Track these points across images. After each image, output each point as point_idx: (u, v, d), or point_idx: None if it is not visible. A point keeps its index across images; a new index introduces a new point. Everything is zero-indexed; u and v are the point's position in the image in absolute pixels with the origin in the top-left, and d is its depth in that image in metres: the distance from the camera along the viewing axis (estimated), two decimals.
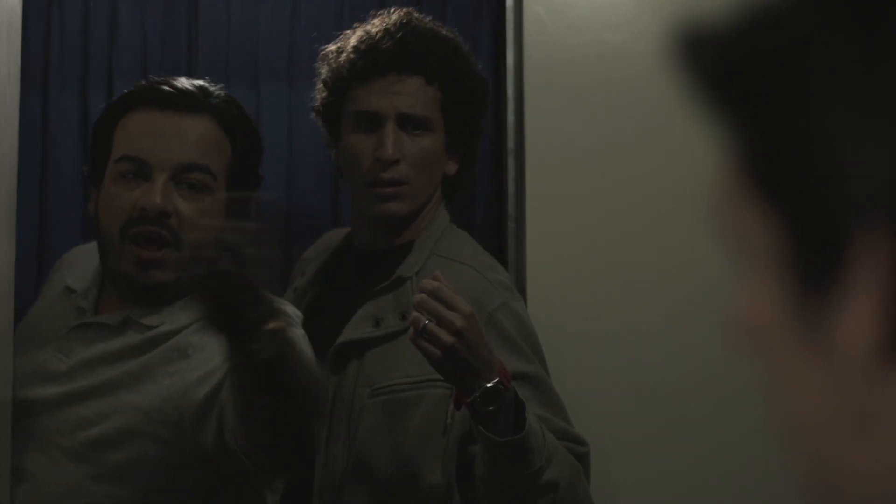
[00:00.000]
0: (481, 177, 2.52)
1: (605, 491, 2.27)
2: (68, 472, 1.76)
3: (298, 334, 1.59)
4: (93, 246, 1.88)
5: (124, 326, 1.79)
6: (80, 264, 1.88)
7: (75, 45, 2.52)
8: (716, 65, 0.47)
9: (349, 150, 1.93)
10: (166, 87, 1.79)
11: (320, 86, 1.99)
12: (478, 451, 1.69)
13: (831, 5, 0.43)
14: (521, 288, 2.31)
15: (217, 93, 1.83)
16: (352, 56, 1.92)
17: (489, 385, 1.59)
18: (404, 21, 1.93)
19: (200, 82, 1.83)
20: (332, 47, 1.98)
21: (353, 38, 1.95)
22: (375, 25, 1.94)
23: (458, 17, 2.55)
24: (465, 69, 1.96)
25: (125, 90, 1.87)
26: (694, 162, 2.39)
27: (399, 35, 1.91)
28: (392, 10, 1.97)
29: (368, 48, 1.91)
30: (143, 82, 1.87)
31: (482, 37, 2.54)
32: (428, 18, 1.98)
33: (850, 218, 0.42)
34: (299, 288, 2.06)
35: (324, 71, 1.98)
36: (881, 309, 0.42)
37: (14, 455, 1.74)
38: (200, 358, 1.72)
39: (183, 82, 1.81)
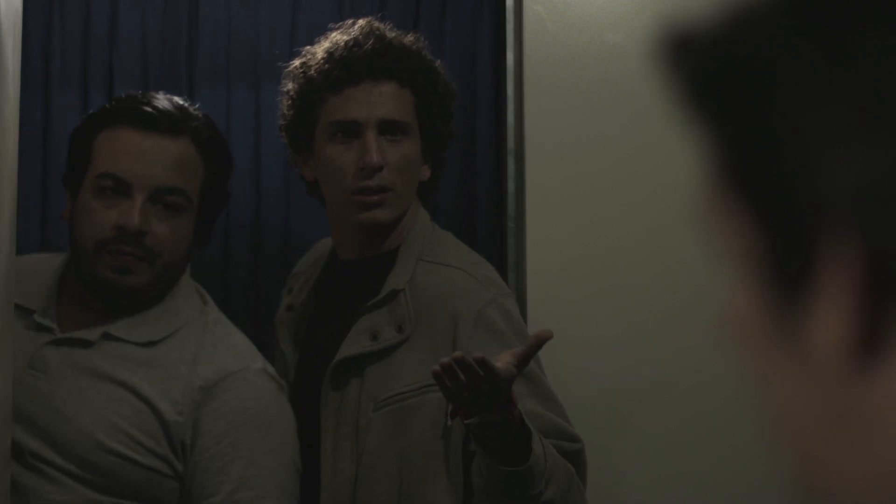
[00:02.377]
0: (481, 177, 2.52)
1: (606, 491, 2.27)
2: (67, 487, 1.78)
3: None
4: (33, 259, 1.90)
5: (102, 340, 1.86)
6: (23, 281, 1.88)
7: (75, 45, 2.51)
8: (696, 71, 0.48)
9: (329, 163, 1.92)
10: (149, 109, 1.88)
11: (287, 102, 1.98)
12: (476, 462, 1.69)
13: (801, 13, 0.44)
14: (521, 288, 2.31)
15: (195, 114, 1.92)
16: (325, 66, 1.91)
17: (493, 419, 1.60)
18: (368, 30, 1.94)
19: (180, 102, 1.93)
20: (296, 62, 1.98)
21: (319, 50, 1.94)
22: (340, 36, 1.94)
23: (458, 17, 2.55)
24: (433, 73, 1.97)
25: (105, 103, 1.96)
26: (694, 162, 2.39)
27: (369, 42, 1.91)
28: (353, 22, 1.97)
29: (341, 57, 1.91)
30: (125, 97, 1.93)
31: (482, 37, 2.54)
32: (389, 26, 1.98)
33: (821, 221, 0.43)
34: (294, 306, 2.06)
35: (290, 86, 1.97)
36: (851, 309, 0.43)
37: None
38: (163, 372, 1.85)
39: (164, 103, 1.90)
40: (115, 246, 1.83)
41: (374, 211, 1.90)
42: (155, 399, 1.81)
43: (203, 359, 1.86)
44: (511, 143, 2.39)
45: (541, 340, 1.64)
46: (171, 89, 2.49)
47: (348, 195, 1.90)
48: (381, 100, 1.91)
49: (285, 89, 1.99)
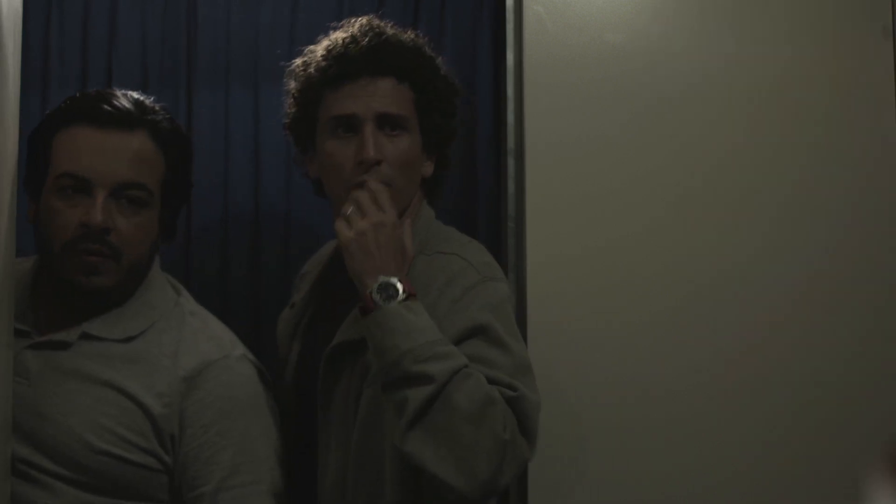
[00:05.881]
0: (481, 177, 2.51)
1: (606, 489, 2.27)
2: (58, 491, 1.77)
3: None
4: None
5: (81, 341, 1.85)
6: None
7: (74, 46, 2.51)
8: None
9: (328, 158, 1.94)
10: (105, 106, 1.87)
11: (289, 101, 2.01)
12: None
13: None
14: (521, 288, 2.31)
15: (151, 107, 1.91)
16: (322, 64, 1.95)
17: (385, 279, 1.75)
18: (367, 27, 1.96)
19: (136, 96, 1.92)
20: (298, 62, 2.01)
21: (319, 49, 1.97)
22: (339, 34, 1.97)
23: (458, 17, 2.55)
24: (432, 69, 1.99)
25: (61, 103, 1.92)
26: (693, 162, 2.39)
27: (367, 39, 1.94)
28: (353, 20, 1.99)
29: (339, 54, 1.94)
30: (79, 96, 1.93)
31: (482, 37, 2.53)
32: (390, 24, 2.00)
33: None
34: (297, 304, 2.08)
35: (292, 85, 2.01)
36: None
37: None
38: (146, 366, 1.84)
39: (120, 98, 1.89)
40: (81, 246, 1.82)
41: None
42: (140, 394, 1.81)
43: (184, 350, 1.87)
44: (511, 142, 2.39)
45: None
46: (171, 90, 2.50)
47: (347, 191, 1.91)
48: (378, 94, 1.92)
49: (288, 88, 2.02)
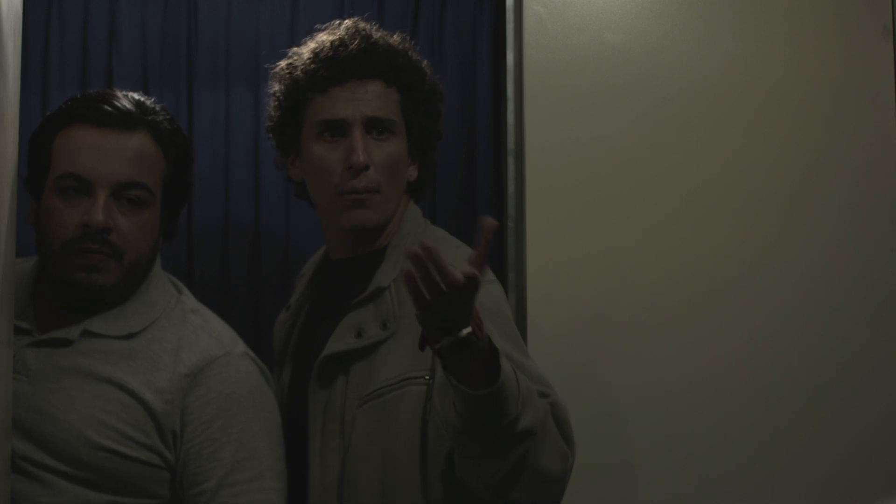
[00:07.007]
0: (481, 177, 2.51)
1: (604, 488, 2.27)
2: (59, 488, 1.78)
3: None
4: None
5: (82, 338, 1.85)
6: None
7: (75, 46, 2.51)
8: None
9: (316, 162, 1.93)
10: (106, 106, 1.87)
11: (273, 103, 2.00)
12: (451, 403, 1.66)
13: None
14: (521, 288, 2.31)
15: (152, 107, 1.91)
16: (311, 66, 1.93)
17: (461, 335, 1.54)
18: (354, 30, 1.95)
19: (136, 97, 1.93)
20: (282, 63, 2.00)
21: (305, 51, 1.96)
22: (326, 37, 1.96)
23: (458, 17, 2.55)
24: (419, 72, 1.98)
25: (62, 103, 1.92)
26: (692, 161, 2.39)
27: (355, 42, 1.93)
28: (339, 22, 1.99)
29: (327, 57, 1.93)
30: (80, 97, 1.93)
31: (482, 37, 2.54)
32: (376, 26, 1.99)
33: None
34: (292, 307, 2.09)
35: (276, 87, 2.00)
36: None
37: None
38: (147, 363, 1.84)
39: (120, 99, 1.89)
40: (81, 245, 1.82)
41: (359, 212, 1.90)
42: (141, 391, 1.81)
43: (186, 347, 1.87)
44: (511, 143, 2.40)
45: (488, 232, 1.54)
46: (171, 90, 2.50)
47: (335, 195, 1.91)
48: (366, 98, 1.91)
49: (272, 90, 2.01)
